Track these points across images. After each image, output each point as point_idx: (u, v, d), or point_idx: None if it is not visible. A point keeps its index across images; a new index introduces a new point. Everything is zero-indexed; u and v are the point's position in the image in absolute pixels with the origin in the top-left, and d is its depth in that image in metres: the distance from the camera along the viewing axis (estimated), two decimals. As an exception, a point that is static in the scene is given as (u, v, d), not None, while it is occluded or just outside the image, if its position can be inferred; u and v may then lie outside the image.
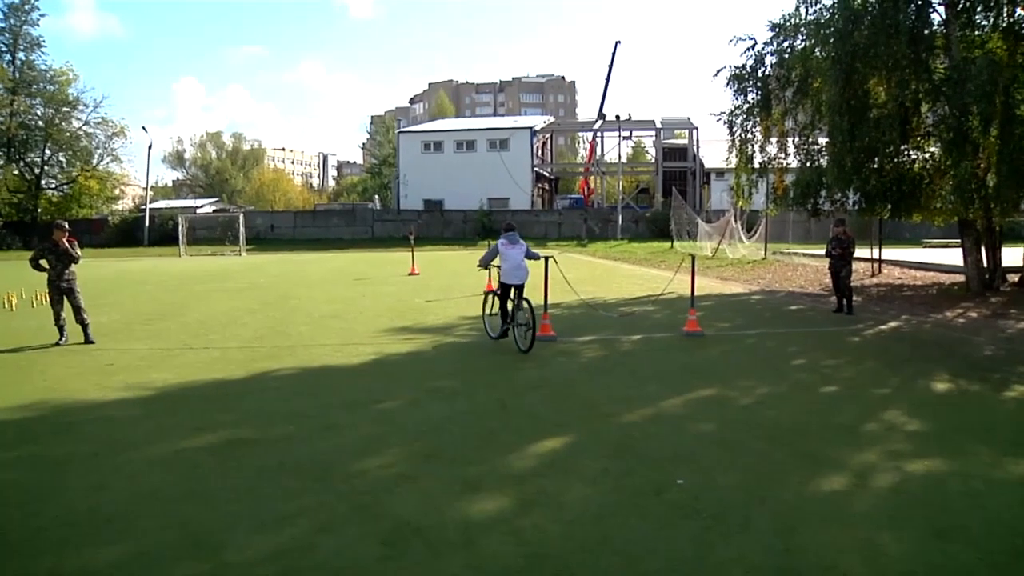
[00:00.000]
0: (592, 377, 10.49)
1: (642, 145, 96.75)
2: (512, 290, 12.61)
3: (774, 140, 23.23)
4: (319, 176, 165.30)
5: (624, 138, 69.17)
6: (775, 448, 7.35)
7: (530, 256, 12.76)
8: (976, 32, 18.54)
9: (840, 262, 16.97)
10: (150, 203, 65.91)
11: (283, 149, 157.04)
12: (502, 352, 12.31)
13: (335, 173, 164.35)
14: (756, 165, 23.59)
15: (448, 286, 23.22)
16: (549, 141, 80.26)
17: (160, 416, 8.67)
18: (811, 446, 7.41)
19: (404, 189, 69.09)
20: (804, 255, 33.13)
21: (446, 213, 62.79)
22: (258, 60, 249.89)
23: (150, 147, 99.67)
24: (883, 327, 14.95)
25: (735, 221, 35.64)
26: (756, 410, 8.72)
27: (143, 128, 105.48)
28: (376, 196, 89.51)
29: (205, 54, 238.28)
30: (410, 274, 28.00)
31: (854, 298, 17.79)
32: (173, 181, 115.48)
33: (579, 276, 22.95)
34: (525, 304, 12.30)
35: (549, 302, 14.39)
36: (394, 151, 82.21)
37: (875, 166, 18.72)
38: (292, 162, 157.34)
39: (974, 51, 18.03)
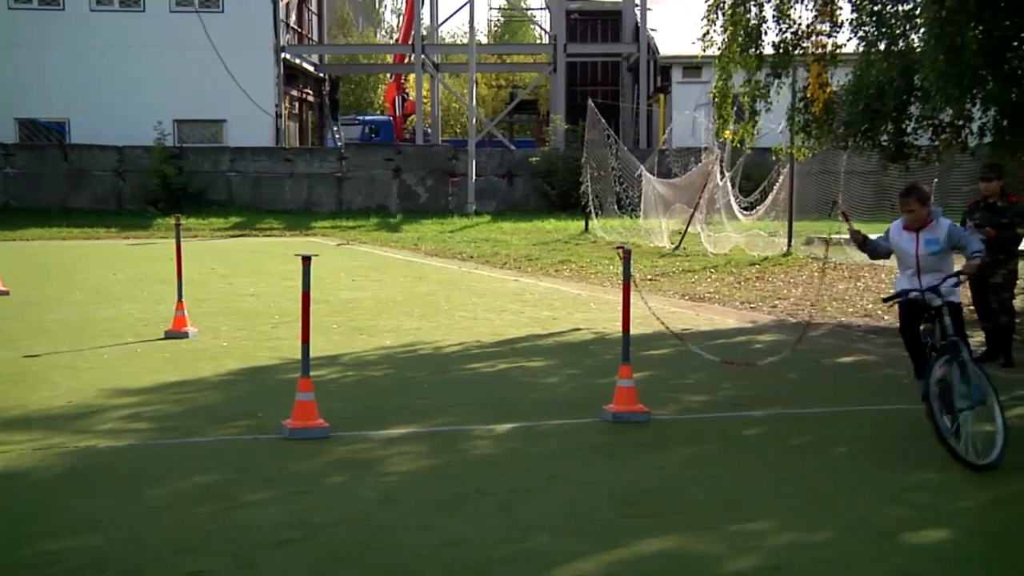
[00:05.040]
0: (405, 519, 6.10)
1: (525, 6, 54.21)
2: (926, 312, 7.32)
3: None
4: None
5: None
6: None
7: (966, 249, 7.15)
8: None
9: (997, 256, 9.36)
10: None
11: None
12: (207, 465, 6.87)
13: None
14: (768, 49, 14.76)
15: (80, 319, 13.57)
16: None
17: None
18: None
19: None
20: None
21: (73, 151, 34.65)
22: None
23: None
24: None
25: (721, 173, 24.49)
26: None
27: None
28: None
29: None
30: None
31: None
32: None
33: (385, 295, 15.57)
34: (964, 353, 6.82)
35: (312, 355, 8.28)
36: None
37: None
38: None
39: None
